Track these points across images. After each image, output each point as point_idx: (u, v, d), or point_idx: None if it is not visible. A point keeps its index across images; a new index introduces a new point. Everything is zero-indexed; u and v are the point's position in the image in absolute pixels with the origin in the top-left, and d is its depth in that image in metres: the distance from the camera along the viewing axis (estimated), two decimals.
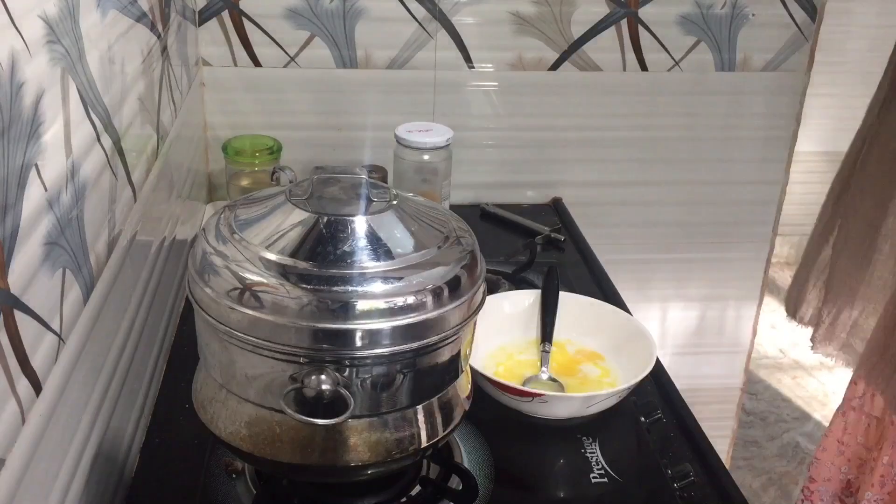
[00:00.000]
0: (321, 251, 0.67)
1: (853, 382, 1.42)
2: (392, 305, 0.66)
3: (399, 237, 0.70)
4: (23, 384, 0.61)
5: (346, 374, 0.66)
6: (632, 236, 1.74)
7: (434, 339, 0.69)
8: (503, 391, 0.92)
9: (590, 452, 0.91)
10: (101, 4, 0.85)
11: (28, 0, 0.63)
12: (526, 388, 0.93)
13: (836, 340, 1.51)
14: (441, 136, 1.37)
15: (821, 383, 2.77)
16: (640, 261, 1.75)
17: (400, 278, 0.67)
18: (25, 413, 0.62)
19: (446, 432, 0.75)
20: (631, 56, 1.59)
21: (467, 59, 1.55)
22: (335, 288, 0.65)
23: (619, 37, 1.57)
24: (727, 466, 0.97)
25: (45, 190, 0.66)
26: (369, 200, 0.72)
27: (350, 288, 0.65)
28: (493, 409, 0.94)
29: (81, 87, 0.77)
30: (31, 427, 0.62)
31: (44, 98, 0.66)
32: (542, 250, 1.41)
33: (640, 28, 1.57)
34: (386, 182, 1.45)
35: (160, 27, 1.15)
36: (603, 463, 0.90)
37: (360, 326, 0.65)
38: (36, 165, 0.64)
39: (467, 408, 0.79)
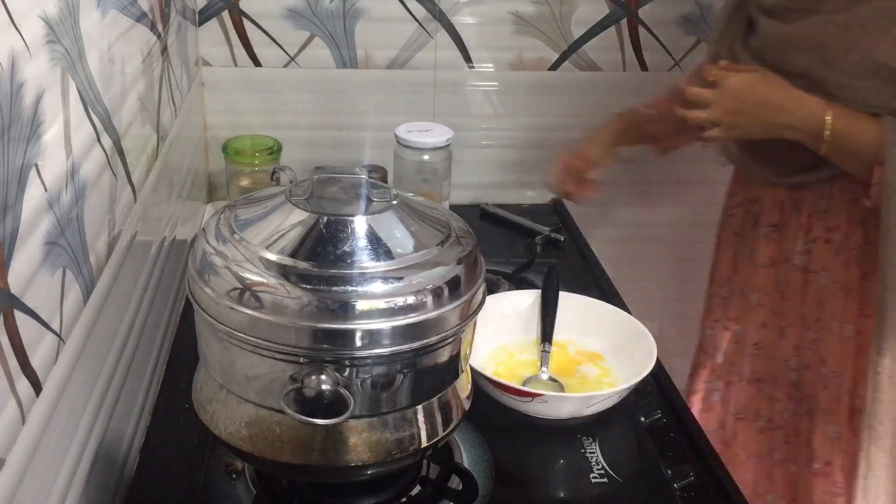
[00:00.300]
0: (321, 251, 0.67)
1: None
2: (392, 305, 0.66)
3: (399, 237, 0.70)
4: (23, 384, 0.61)
5: (346, 374, 0.66)
6: (632, 236, 1.74)
7: (434, 339, 0.69)
8: (503, 391, 0.92)
9: (590, 452, 0.91)
10: (101, 4, 0.85)
11: (28, 0, 0.63)
12: (526, 389, 0.93)
13: None
14: (441, 136, 1.37)
15: None
16: (640, 261, 1.75)
17: (400, 278, 0.67)
18: (25, 413, 0.62)
19: (446, 432, 0.75)
20: (631, 56, 1.59)
21: (467, 59, 1.55)
22: (335, 288, 0.65)
23: (619, 37, 1.57)
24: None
25: (45, 190, 0.66)
26: (369, 200, 0.72)
27: (350, 288, 0.65)
28: (493, 409, 0.94)
29: (81, 87, 0.77)
30: (31, 427, 0.62)
31: (44, 98, 0.66)
32: (542, 250, 1.41)
33: (640, 28, 1.57)
34: (386, 182, 1.45)
35: (160, 27, 1.15)
36: (603, 463, 0.90)
37: (360, 326, 0.65)
38: (36, 165, 0.64)
39: (467, 408, 0.79)
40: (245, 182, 1.44)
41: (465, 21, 1.52)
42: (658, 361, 0.97)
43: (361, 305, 0.65)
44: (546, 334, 1.05)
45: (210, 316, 0.68)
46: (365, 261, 0.67)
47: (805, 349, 1.17)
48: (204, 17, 1.46)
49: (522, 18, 1.53)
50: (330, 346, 0.65)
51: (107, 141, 0.85)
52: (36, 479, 0.63)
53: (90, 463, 0.77)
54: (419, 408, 0.72)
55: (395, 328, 0.66)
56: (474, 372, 0.89)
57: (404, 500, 0.81)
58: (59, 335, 0.69)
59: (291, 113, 1.55)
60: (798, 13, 1.07)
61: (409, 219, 0.73)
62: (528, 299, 1.09)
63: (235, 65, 1.50)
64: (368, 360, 0.67)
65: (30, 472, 0.62)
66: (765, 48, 1.11)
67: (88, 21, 0.79)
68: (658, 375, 1.03)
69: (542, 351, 1.03)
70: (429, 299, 0.67)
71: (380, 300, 0.65)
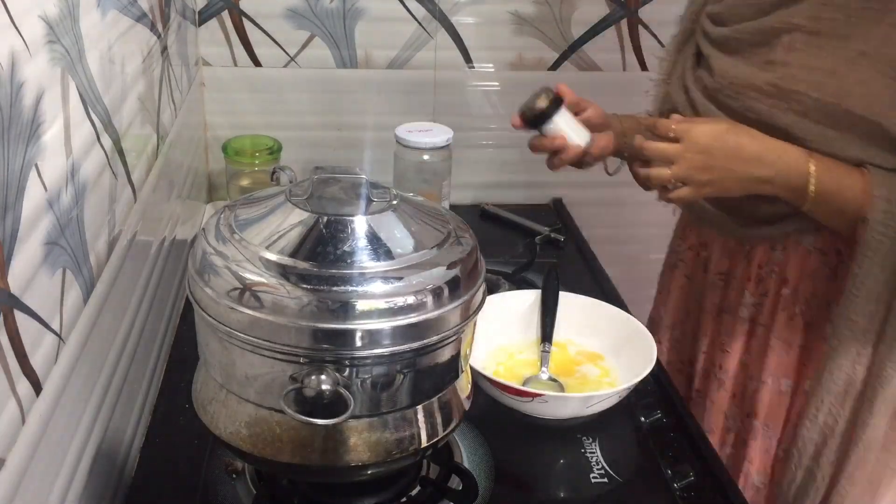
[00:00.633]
0: (321, 251, 0.67)
1: None
2: (392, 305, 0.66)
3: (399, 237, 0.70)
4: (23, 384, 0.61)
5: (346, 374, 0.66)
6: (632, 236, 1.74)
7: (434, 339, 0.68)
8: (503, 391, 0.92)
9: (590, 452, 0.91)
10: (101, 4, 0.85)
11: (28, 0, 0.63)
12: (526, 389, 0.93)
13: None
14: (441, 136, 1.37)
15: None
16: (639, 261, 1.75)
17: (400, 278, 0.67)
18: (25, 413, 0.62)
19: (446, 432, 0.75)
20: (631, 56, 1.59)
21: (467, 59, 1.55)
22: (335, 288, 0.65)
23: (619, 37, 1.57)
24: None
25: (45, 190, 0.66)
26: (369, 200, 0.72)
27: (350, 288, 0.65)
28: (493, 409, 0.94)
29: (81, 87, 0.77)
30: (31, 427, 0.62)
31: (44, 98, 0.66)
32: (541, 250, 1.41)
33: (640, 28, 1.57)
34: None
35: (160, 27, 1.15)
36: (603, 463, 0.90)
37: (360, 326, 0.65)
38: (36, 165, 0.64)
39: (467, 408, 0.79)
40: (245, 182, 1.44)
41: (465, 21, 1.52)
42: (658, 361, 0.97)
43: (361, 305, 0.65)
44: (546, 334, 1.05)
45: (210, 316, 0.68)
46: (365, 261, 0.67)
47: (742, 399, 1.10)
48: (204, 17, 1.46)
49: (522, 18, 1.53)
50: (330, 346, 0.65)
51: (107, 141, 0.85)
52: (36, 479, 0.63)
53: (90, 463, 0.77)
54: (419, 408, 0.72)
55: (395, 328, 0.66)
56: (474, 372, 0.89)
57: (404, 500, 0.81)
58: (59, 335, 0.69)
59: (291, 113, 1.55)
60: (754, 49, 0.96)
61: (409, 219, 0.73)
62: (528, 299, 1.09)
63: (235, 65, 1.50)
64: (368, 360, 0.67)
65: (30, 472, 0.62)
66: (721, 89, 0.99)
67: (88, 21, 0.79)
68: (658, 375, 1.03)
69: (542, 351, 1.03)
70: (429, 299, 0.67)
71: (380, 300, 0.65)
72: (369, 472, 0.73)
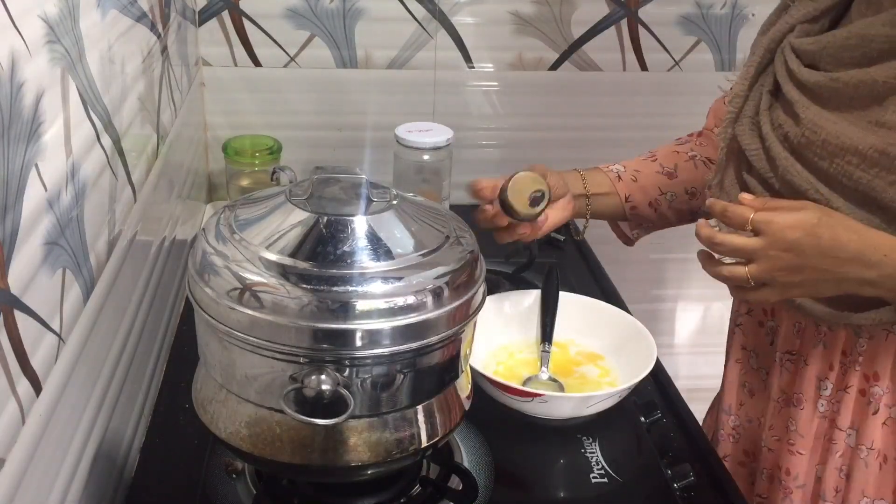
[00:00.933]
0: (321, 251, 0.67)
1: None
2: (392, 305, 0.66)
3: (399, 237, 0.70)
4: (23, 384, 0.61)
5: (346, 374, 0.66)
6: None
7: (434, 339, 0.68)
8: (503, 391, 0.92)
9: (590, 452, 0.91)
10: (101, 4, 0.85)
11: (28, 0, 0.63)
12: (526, 389, 0.93)
13: None
14: (441, 136, 1.37)
15: None
16: (640, 261, 1.75)
17: (400, 278, 0.66)
18: (25, 413, 0.62)
19: (446, 432, 0.75)
20: (631, 56, 1.59)
21: (467, 58, 1.55)
22: (335, 288, 0.65)
23: (619, 37, 1.57)
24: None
25: (45, 190, 0.66)
26: (369, 200, 0.72)
27: (350, 288, 0.65)
28: (493, 409, 0.94)
29: (81, 87, 0.77)
30: (31, 427, 0.62)
31: (44, 98, 0.66)
32: (541, 250, 1.40)
33: (640, 28, 1.57)
34: None
35: (160, 27, 1.15)
36: (603, 463, 0.90)
37: (360, 326, 0.65)
38: (36, 165, 0.64)
39: (467, 408, 0.79)
40: (245, 182, 1.44)
41: (464, 21, 1.52)
42: (658, 361, 0.97)
43: (361, 305, 0.65)
44: (546, 334, 1.05)
45: (210, 316, 0.68)
46: (365, 261, 0.67)
47: None
48: (204, 17, 1.46)
49: (522, 18, 1.53)
50: (330, 346, 0.65)
51: (107, 141, 0.85)
52: (36, 479, 0.63)
53: (90, 463, 0.77)
54: (419, 408, 0.72)
55: (395, 328, 0.66)
56: (474, 372, 0.89)
57: (404, 500, 0.81)
58: (59, 335, 0.69)
59: (291, 113, 1.55)
60: (857, 103, 0.78)
61: (409, 219, 0.73)
62: (528, 299, 1.09)
63: (235, 65, 1.50)
64: (368, 360, 0.67)
65: (30, 472, 0.62)
66: (809, 145, 0.81)
67: (88, 21, 0.79)
68: (658, 375, 1.03)
69: (542, 351, 1.03)
70: (429, 299, 0.67)
71: (380, 300, 0.65)
72: (369, 472, 0.73)
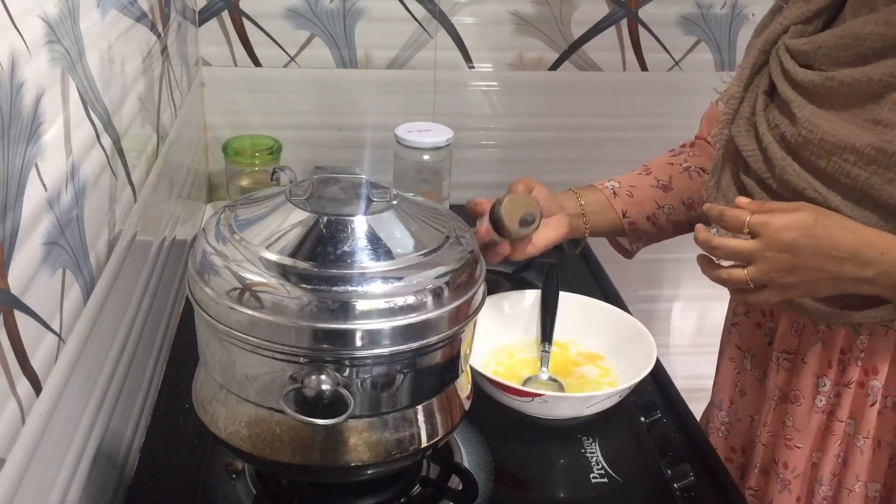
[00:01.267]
0: (321, 251, 0.67)
1: None
2: (392, 305, 0.66)
3: (399, 237, 0.70)
4: (23, 384, 0.61)
5: (346, 374, 0.66)
6: None
7: (434, 339, 0.68)
8: (503, 391, 0.92)
9: (590, 452, 0.91)
10: (101, 4, 0.85)
11: (28, 0, 0.63)
12: (526, 389, 0.93)
13: None
14: (441, 136, 1.37)
15: None
16: (640, 261, 1.75)
17: (400, 278, 0.67)
18: (25, 413, 0.62)
19: (446, 432, 0.75)
20: (631, 56, 1.59)
21: (467, 58, 1.55)
22: (335, 288, 0.65)
23: (619, 37, 1.57)
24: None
25: (45, 190, 0.66)
26: (369, 200, 0.72)
27: (350, 288, 0.65)
28: (493, 409, 0.94)
29: (81, 87, 0.77)
30: (31, 427, 0.62)
31: (44, 98, 0.66)
32: None
33: (640, 28, 1.57)
34: None
35: (160, 27, 1.15)
36: (603, 463, 0.90)
37: (360, 326, 0.65)
38: (36, 165, 0.64)
39: (467, 408, 0.79)
40: (245, 182, 1.44)
41: (464, 21, 1.52)
42: (658, 361, 0.97)
43: (361, 305, 0.65)
44: (546, 334, 1.05)
45: (210, 316, 0.68)
46: (365, 261, 0.67)
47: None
48: (204, 17, 1.46)
49: (522, 18, 1.53)
50: (330, 346, 0.65)
51: (107, 141, 0.85)
52: (36, 479, 0.63)
53: (90, 463, 0.77)
54: (419, 408, 0.72)
55: (395, 328, 0.66)
56: (474, 372, 0.89)
57: (404, 500, 0.81)
58: (59, 335, 0.69)
59: (291, 113, 1.55)
60: (853, 102, 0.79)
61: (409, 219, 0.73)
62: (528, 299, 1.09)
63: (235, 65, 1.50)
64: (368, 360, 0.67)
65: (30, 472, 0.62)
66: (806, 144, 0.81)
67: (88, 21, 0.79)
68: (658, 375, 1.03)
69: (542, 351, 1.03)
70: (429, 299, 0.67)
71: (380, 300, 0.65)
72: (369, 472, 0.73)
